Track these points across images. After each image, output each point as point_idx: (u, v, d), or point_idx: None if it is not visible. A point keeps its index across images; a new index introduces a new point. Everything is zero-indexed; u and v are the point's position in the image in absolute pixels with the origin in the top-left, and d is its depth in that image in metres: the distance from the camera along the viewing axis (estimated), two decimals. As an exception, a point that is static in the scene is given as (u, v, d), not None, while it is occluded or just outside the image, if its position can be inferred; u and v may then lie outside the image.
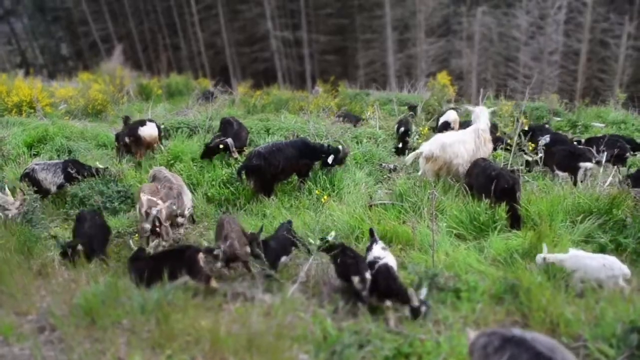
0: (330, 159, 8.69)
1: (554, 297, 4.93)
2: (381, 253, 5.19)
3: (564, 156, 8.87)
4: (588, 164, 8.53)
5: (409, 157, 8.60)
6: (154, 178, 7.86)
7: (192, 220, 7.94)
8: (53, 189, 8.58)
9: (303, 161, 8.71)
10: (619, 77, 31.31)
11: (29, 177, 8.38)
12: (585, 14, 32.11)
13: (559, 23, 32.70)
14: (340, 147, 8.93)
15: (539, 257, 5.59)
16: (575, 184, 8.28)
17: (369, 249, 5.33)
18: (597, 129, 13.35)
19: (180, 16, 40.85)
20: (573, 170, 8.55)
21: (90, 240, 6.40)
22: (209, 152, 9.52)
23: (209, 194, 8.62)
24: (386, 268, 5.00)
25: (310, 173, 8.89)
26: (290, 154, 8.53)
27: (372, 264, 5.09)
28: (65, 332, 4.62)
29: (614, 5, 32.58)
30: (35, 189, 8.16)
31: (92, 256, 6.27)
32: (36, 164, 8.69)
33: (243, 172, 8.39)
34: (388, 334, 4.61)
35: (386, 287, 4.79)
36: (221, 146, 9.42)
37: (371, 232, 5.71)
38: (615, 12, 32.08)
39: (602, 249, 6.19)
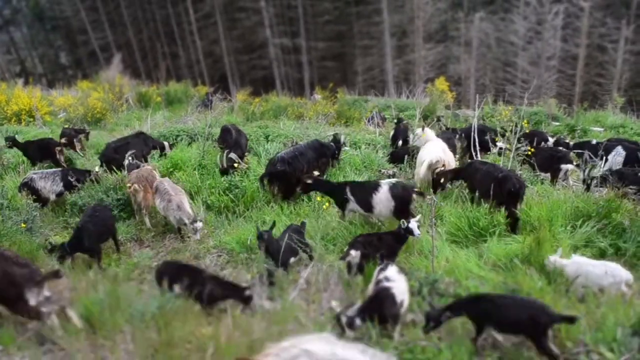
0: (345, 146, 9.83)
1: (554, 302, 4.92)
2: (393, 275, 4.96)
3: (546, 158, 9.31)
4: (569, 166, 9.01)
5: (423, 169, 8.44)
6: (156, 189, 7.93)
7: (192, 227, 7.94)
8: (52, 197, 8.61)
9: (322, 160, 9.10)
10: (617, 81, 31.39)
11: (28, 187, 8.40)
12: (582, 19, 32.24)
13: (557, 28, 32.82)
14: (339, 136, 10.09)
15: (551, 259, 5.58)
16: (554, 183, 8.73)
17: (382, 269, 5.10)
18: (595, 133, 13.40)
19: (179, 25, 41.00)
20: (554, 172, 9.02)
21: None
22: (226, 171, 9.48)
23: (209, 202, 8.62)
24: (385, 294, 4.76)
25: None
26: (311, 156, 8.82)
27: (377, 283, 4.92)
28: (65, 341, 4.61)
29: (610, 10, 32.73)
30: (34, 197, 8.20)
31: None
32: (34, 173, 8.72)
33: (266, 178, 8.48)
34: (388, 341, 4.60)
35: (381, 314, 4.64)
36: (235, 164, 9.42)
37: (382, 257, 5.66)
38: (612, 16, 32.22)
39: (602, 254, 6.20)
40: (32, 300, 4.84)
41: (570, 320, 4.40)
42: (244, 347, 4.37)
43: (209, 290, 5.20)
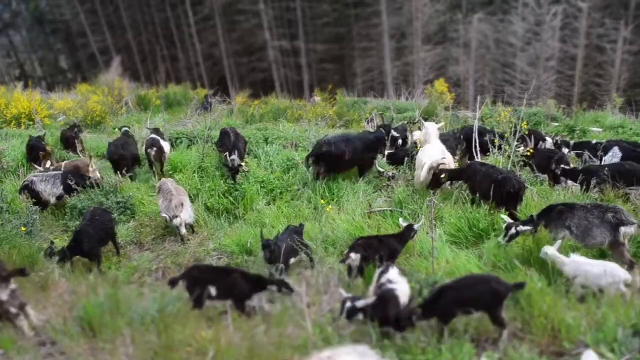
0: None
1: (555, 303, 4.92)
2: (396, 278, 4.95)
3: (543, 159, 9.22)
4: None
5: (424, 172, 8.36)
6: (160, 190, 7.98)
7: (192, 230, 7.96)
8: (52, 200, 8.61)
9: (369, 154, 9.32)
10: (615, 82, 31.38)
11: (28, 190, 8.40)
12: (581, 19, 32.25)
13: (555, 29, 32.81)
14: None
15: (548, 251, 5.60)
16: (553, 185, 8.62)
17: (384, 272, 5.09)
18: (595, 134, 13.39)
19: (178, 27, 40.98)
20: (552, 172, 8.97)
21: None
22: (236, 173, 9.54)
23: (209, 204, 8.63)
24: (389, 297, 4.74)
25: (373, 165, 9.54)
26: (358, 145, 9.06)
27: (381, 286, 4.90)
28: (66, 345, 4.61)
29: (609, 10, 32.73)
30: (35, 200, 8.21)
31: None
32: (35, 176, 8.73)
33: (312, 158, 8.77)
34: (389, 342, 4.60)
35: (384, 316, 4.64)
36: (243, 164, 9.60)
37: (381, 258, 5.65)
38: (610, 17, 32.21)
39: (602, 253, 6.20)
40: (3, 295, 4.90)
41: (520, 286, 4.83)
42: (245, 350, 4.36)
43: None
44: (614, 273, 5.26)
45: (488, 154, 10.28)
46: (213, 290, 5.18)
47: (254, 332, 4.71)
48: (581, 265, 5.41)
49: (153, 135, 10.50)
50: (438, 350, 4.46)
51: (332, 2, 38.70)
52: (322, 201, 8.24)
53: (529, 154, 9.38)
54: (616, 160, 9.47)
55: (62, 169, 9.54)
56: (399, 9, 37.12)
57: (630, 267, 5.64)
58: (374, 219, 7.54)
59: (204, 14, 39.97)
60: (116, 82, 21.23)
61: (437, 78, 21.99)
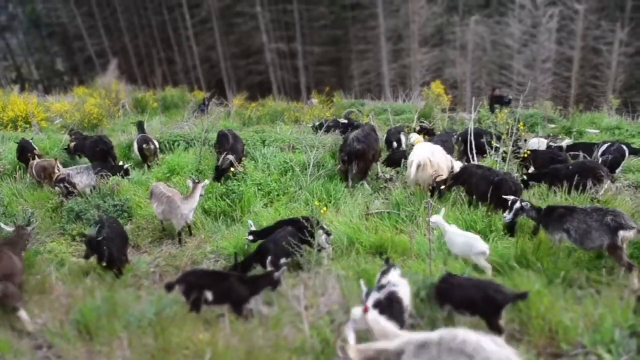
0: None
1: (552, 304, 4.93)
2: (396, 279, 4.91)
3: (544, 160, 9.32)
4: None
5: (412, 170, 8.38)
6: (152, 194, 7.96)
7: (189, 232, 7.94)
8: (87, 190, 9.13)
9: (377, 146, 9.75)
10: (611, 84, 31.47)
11: (64, 182, 8.96)
12: (577, 21, 32.35)
13: (552, 31, 32.91)
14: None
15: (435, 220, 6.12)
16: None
17: (385, 272, 5.07)
18: (591, 136, 13.43)
19: (175, 30, 40.96)
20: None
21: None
22: (221, 174, 9.53)
23: (206, 207, 8.61)
24: (391, 300, 4.66)
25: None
26: (374, 138, 9.43)
27: (381, 288, 4.83)
28: (62, 348, 4.60)
29: (605, 12, 32.86)
30: (69, 191, 8.91)
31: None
32: (70, 170, 9.29)
33: (346, 157, 8.91)
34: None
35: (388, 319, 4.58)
36: (232, 169, 9.56)
37: (387, 260, 5.61)
38: (606, 19, 32.33)
39: (599, 255, 6.21)
40: None
41: (522, 296, 4.66)
42: (242, 352, 4.35)
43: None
44: (474, 243, 5.76)
45: (485, 155, 10.30)
46: (209, 295, 5.17)
47: (251, 334, 4.70)
48: (453, 235, 5.96)
49: (143, 134, 11.24)
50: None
51: (329, 4, 38.77)
52: (317, 203, 8.23)
53: (525, 155, 9.41)
54: None
55: (32, 169, 9.82)
56: (395, 12, 37.20)
57: (629, 269, 5.65)
58: (371, 221, 7.53)
59: (201, 16, 39.99)
60: (113, 84, 21.17)
61: (433, 80, 22.04)
